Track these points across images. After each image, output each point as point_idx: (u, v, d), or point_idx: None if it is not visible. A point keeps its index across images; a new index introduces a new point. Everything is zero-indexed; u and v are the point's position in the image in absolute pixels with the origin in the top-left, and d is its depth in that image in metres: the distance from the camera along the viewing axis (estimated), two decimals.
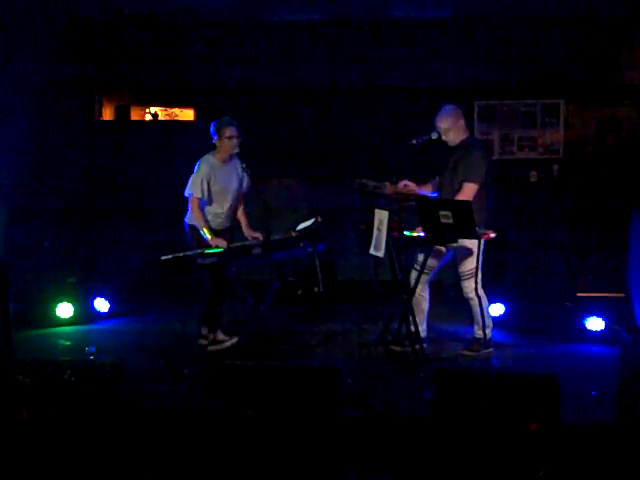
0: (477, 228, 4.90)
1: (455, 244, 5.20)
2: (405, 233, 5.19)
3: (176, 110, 8.55)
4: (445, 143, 5.37)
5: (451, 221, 4.79)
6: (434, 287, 5.57)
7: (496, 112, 7.94)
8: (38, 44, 6.72)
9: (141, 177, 7.63)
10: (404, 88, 7.71)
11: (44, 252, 6.90)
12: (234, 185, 5.57)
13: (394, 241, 5.27)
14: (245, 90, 7.81)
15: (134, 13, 7.26)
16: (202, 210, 5.47)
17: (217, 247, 5.33)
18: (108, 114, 8.31)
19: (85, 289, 6.77)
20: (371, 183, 5.39)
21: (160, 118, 8.47)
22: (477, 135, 7.71)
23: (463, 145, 5.31)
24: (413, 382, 4.80)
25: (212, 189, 5.46)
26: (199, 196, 5.42)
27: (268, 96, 7.84)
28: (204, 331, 5.64)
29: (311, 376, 3.75)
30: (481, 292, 5.30)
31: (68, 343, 5.92)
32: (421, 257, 5.29)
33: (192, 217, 5.50)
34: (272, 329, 5.50)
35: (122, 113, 8.40)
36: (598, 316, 5.83)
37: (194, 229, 5.51)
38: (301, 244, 5.57)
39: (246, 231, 5.69)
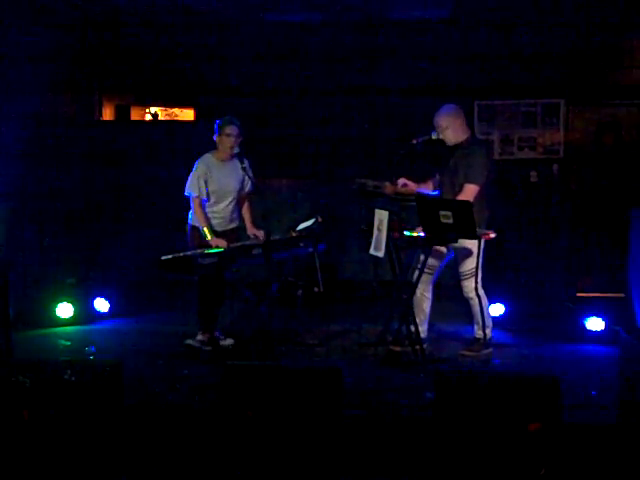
0: (477, 228, 4.90)
1: (455, 244, 5.20)
2: (405, 233, 5.19)
3: (176, 110, 8.55)
4: (445, 143, 5.37)
5: (451, 221, 4.79)
6: (434, 287, 5.57)
7: (496, 112, 7.94)
8: (38, 44, 6.71)
9: (141, 177, 7.62)
10: (404, 88, 7.71)
11: (44, 252, 6.89)
12: (233, 185, 5.56)
13: (394, 241, 5.27)
14: (245, 90, 7.80)
15: (134, 13, 7.25)
16: (204, 210, 5.47)
17: (217, 247, 5.33)
18: (108, 114, 8.30)
19: (85, 289, 6.77)
20: (371, 183, 5.39)
21: (160, 118, 8.47)
22: (477, 135, 7.71)
23: (464, 145, 5.31)
24: (413, 382, 4.79)
25: (209, 188, 5.46)
26: (197, 195, 5.43)
27: (268, 96, 7.83)
28: (199, 333, 5.64)
29: (311, 376, 3.75)
30: (481, 292, 5.31)
31: (68, 343, 5.91)
32: (422, 257, 5.29)
33: (194, 217, 5.50)
34: (272, 329, 5.50)
35: (122, 113, 8.40)
36: (598, 316, 5.83)
37: (195, 229, 5.51)
38: (301, 244, 5.57)
39: (250, 229, 5.69)
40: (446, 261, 5.45)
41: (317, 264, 5.70)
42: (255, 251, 5.46)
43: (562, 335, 5.89)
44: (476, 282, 5.25)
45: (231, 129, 5.44)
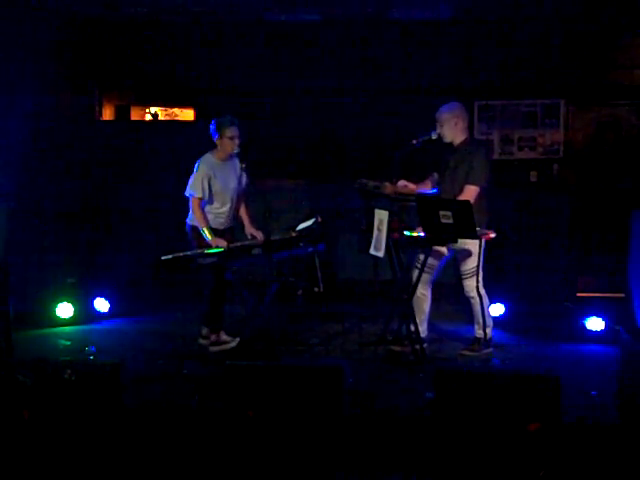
0: (477, 228, 4.90)
1: (456, 244, 5.20)
2: (405, 233, 5.19)
3: (176, 110, 8.55)
4: (445, 143, 5.37)
5: (451, 221, 4.79)
6: (434, 287, 5.57)
7: (496, 112, 7.94)
8: (38, 44, 6.71)
9: (141, 177, 7.62)
10: (404, 88, 7.72)
11: (44, 252, 6.89)
12: (233, 184, 5.57)
13: (394, 241, 5.27)
14: (245, 90, 7.80)
15: (134, 13, 7.26)
16: (203, 210, 5.47)
17: (217, 247, 5.33)
18: (108, 114, 8.30)
19: (85, 289, 6.76)
20: (371, 183, 5.39)
21: (160, 118, 8.47)
22: (477, 135, 7.73)
23: (463, 146, 5.31)
24: (413, 382, 4.79)
25: (212, 188, 5.46)
26: (199, 196, 5.42)
27: (268, 96, 7.84)
28: (204, 331, 5.64)
29: (311, 376, 3.75)
30: (482, 291, 5.31)
31: (68, 343, 5.91)
32: (422, 256, 5.29)
33: (193, 217, 5.50)
34: (272, 329, 5.50)
35: (122, 113, 8.40)
36: (598, 316, 5.83)
37: (195, 229, 5.51)
38: (301, 244, 5.57)
39: (248, 230, 5.69)
40: (445, 261, 5.45)
41: (317, 264, 5.70)
42: (255, 251, 5.46)
43: (562, 335, 5.89)
44: (477, 281, 5.25)
45: (232, 131, 5.43)
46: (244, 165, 5.53)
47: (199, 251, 5.34)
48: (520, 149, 7.95)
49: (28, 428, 3.75)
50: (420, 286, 5.40)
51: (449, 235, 4.94)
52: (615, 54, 7.68)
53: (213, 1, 6.99)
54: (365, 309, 6.59)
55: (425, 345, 5.33)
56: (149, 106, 8.48)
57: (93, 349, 5.61)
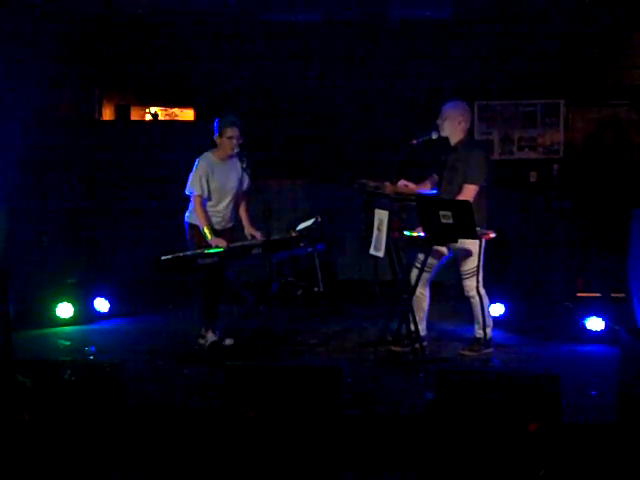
0: (477, 228, 4.90)
1: (456, 244, 5.20)
2: (405, 233, 5.19)
3: (176, 110, 8.55)
4: (445, 143, 5.37)
5: (451, 221, 4.79)
6: (434, 287, 5.57)
7: (496, 112, 7.94)
8: (38, 44, 6.71)
9: (141, 177, 7.62)
10: (404, 88, 7.71)
11: (44, 252, 6.89)
12: (233, 183, 5.56)
13: (394, 241, 5.27)
14: (245, 90, 7.80)
15: (134, 13, 7.26)
16: (204, 209, 5.47)
17: (217, 247, 5.33)
18: (108, 114, 8.31)
19: (85, 289, 6.76)
20: (371, 183, 5.39)
21: (160, 118, 8.47)
22: (477, 135, 7.73)
23: (462, 145, 5.31)
24: (413, 382, 4.79)
25: (210, 186, 5.46)
26: (199, 193, 5.42)
27: (268, 96, 7.83)
28: (203, 331, 5.64)
29: (311, 376, 3.75)
30: (482, 291, 5.31)
31: (68, 343, 5.91)
32: (422, 256, 5.29)
33: (193, 216, 5.50)
34: (272, 329, 5.50)
35: (122, 113, 8.40)
36: (598, 316, 5.83)
37: (194, 228, 5.51)
38: (301, 244, 5.57)
39: (248, 230, 5.69)
40: (444, 260, 5.45)
41: (317, 264, 5.70)
42: (255, 251, 5.45)
43: (562, 335, 5.89)
44: (477, 281, 5.25)
45: (233, 131, 5.43)
46: (245, 165, 5.53)
47: (199, 251, 5.34)
48: (520, 149, 7.95)
49: (28, 428, 3.75)
50: (419, 285, 5.40)
51: (449, 235, 4.94)
52: (615, 54, 7.67)
53: (213, 1, 7.00)
54: (365, 309, 6.59)
55: (425, 345, 5.33)
56: (149, 106, 8.48)
57: (93, 349, 5.61)
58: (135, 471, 3.79)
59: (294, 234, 5.62)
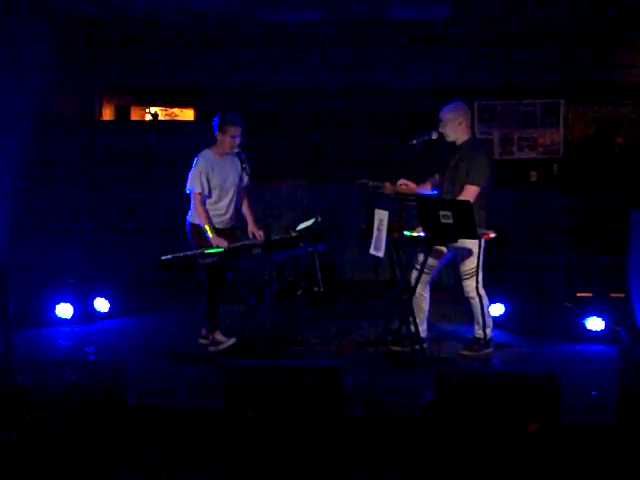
0: (477, 228, 4.90)
1: (455, 244, 5.20)
2: (405, 233, 5.19)
3: (176, 110, 8.56)
4: (445, 143, 5.37)
5: (451, 221, 4.79)
6: (434, 287, 5.57)
7: (496, 112, 7.95)
8: (38, 44, 6.71)
9: (141, 177, 7.62)
10: (404, 88, 7.72)
11: (44, 252, 6.89)
12: (233, 179, 5.56)
13: (394, 241, 5.27)
14: (245, 90, 7.81)
15: (134, 13, 7.25)
16: (205, 207, 5.47)
17: (218, 247, 5.33)
18: (108, 114, 8.31)
19: (85, 289, 6.76)
20: (371, 183, 5.39)
21: (160, 118, 8.47)
22: (477, 135, 7.71)
23: (465, 146, 5.30)
24: (413, 382, 4.79)
25: (211, 183, 5.46)
26: (199, 191, 5.42)
27: (268, 96, 7.84)
28: (204, 331, 5.64)
29: (311, 376, 3.75)
30: (482, 291, 5.31)
31: (68, 343, 5.91)
32: (421, 257, 5.29)
33: (194, 215, 5.50)
34: (272, 329, 5.50)
35: (122, 113, 8.40)
36: (598, 316, 5.83)
37: (195, 227, 5.50)
38: (301, 244, 5.57)
39: (251, 228, 5.69)
40: (445, 261, 5.45)
41: (317, 264, 5.70)
42: (255, 251, 5.45)
43: (562, 335, 5.88)
44: (477, 282, 5.25)
45: (236, 131, 5.43)
46: (245, 165, 5.53)
47: (199, 251, 5.34)
48: (520, 149, 7.96)
49: (28, 428, 3.75)
50: (419, 286, 5.40)
51: (449, 235, 4.94)
52: (615, 54, 7.68)
53: (213, 1, 6.99)
54: (365, 309, 6.58)
55: (425, 345, 5.33)
56: (149, 106, 8.49)
57: (93, 349, 5.61)
58: (135, 471, 3.79)
59: (294, 234, 5.62)
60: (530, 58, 7.60)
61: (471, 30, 7.57)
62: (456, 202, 4.99)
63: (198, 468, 3.84)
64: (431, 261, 5.30)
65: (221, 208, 5.55)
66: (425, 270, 5.30)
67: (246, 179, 5.64)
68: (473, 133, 5.54)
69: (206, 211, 5.46)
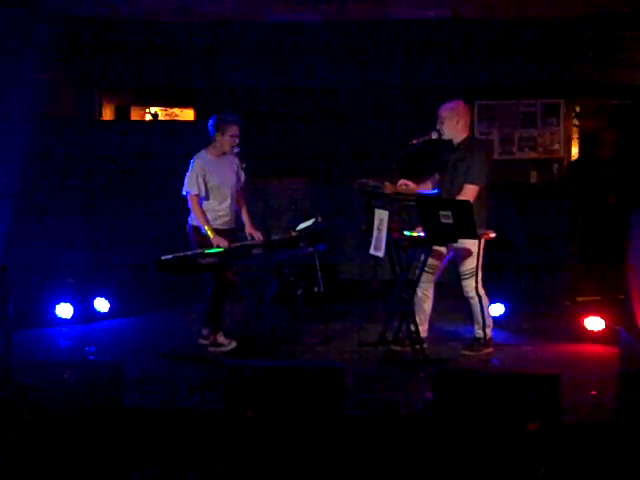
0: (477, 228, 4.90)
1: (455, 244, 5.20)
2: (405, 233, 5.19)
3: (176, 110, 8.55)
4: (445, 143, 5.37)
5: (451, 221, 4.79)
6: (435, 286, 5.57)
7: (496, 112, 7.94)
8: (38, 44, 6.71)
9: (141, 177, 7.62)
10: (404, 88, 7.71)
11: (44, 252, 6.89)
12: (231, 180, 5.56)
13: (394, 241, 5.27)
14: (245, 90, 7.80)
15: (134, 13, 7.26)
16: (202, 208, 5.46)
17: (218, 247, 5.33)
18: (108, 114, 8.30)
19: (85, 289, 6.76)
20: (371, 183, 5.39)
21: (160, 118, 8.47)
22: (477, 135, 7.71)
23: (463, 145, 5.31)
24: (413, 382, 4.79)
25: (208, 185, 5.46)
26: (196, 192, 5.42)
27: (268, 96, 7.83)
28: (205, 331, 5.64)
29: (311, 376, 3.75)
30: (482, 291, 5.31)
31: (68, 343, 5.91)
32: (422, 256, 5.29)
33: (194, 216, 5.50)
34: (272, 329, 5.50)
35: (122, 113, 8.40)
36: (598, 316, 5.82)
37: (196, 229, 5.51)
38: (301, 244, 5.57)
39: (249, 229, 5.69)
40: (447, 260, 5.44)
41: (317, 264, 5.70)
42: (255, 251, 5.46)
43: (562, 335, 5.89)
44: (476, 282, 5.25)
45: (235, 130, 5.44)
46: (244, 165, 5.53)
47: (199, 251, 5.34)
48: (520, 149, 7.95)
49: (28, 428, 3.75)
50: (423, 286, 5.40)
51: (449, 235, 4.94)
52: (615, 54, 7.67)
53: (213, 1, 7.00)
54: (365, 309, 6.59)
55: (425, 345, 5.33)
56: (149, 106, 8.48)
57: (93, 349, 5.61)
58: (135, 471, 3.79)
59: (294, 234, 5.62)
60: (530, 58, 7.59)
61: (471, 30, 7.56)
62: (456, 202, 5.00)
63: (198, 468, 3.84)
64: (432, 261, 5.30)
65: (223, 210, 5.55)
66: (427, 270, 5.30)
67: (243, 177, 5.64)
68: (472, 132, 5.54)
69: (203, 212, 5.45)
